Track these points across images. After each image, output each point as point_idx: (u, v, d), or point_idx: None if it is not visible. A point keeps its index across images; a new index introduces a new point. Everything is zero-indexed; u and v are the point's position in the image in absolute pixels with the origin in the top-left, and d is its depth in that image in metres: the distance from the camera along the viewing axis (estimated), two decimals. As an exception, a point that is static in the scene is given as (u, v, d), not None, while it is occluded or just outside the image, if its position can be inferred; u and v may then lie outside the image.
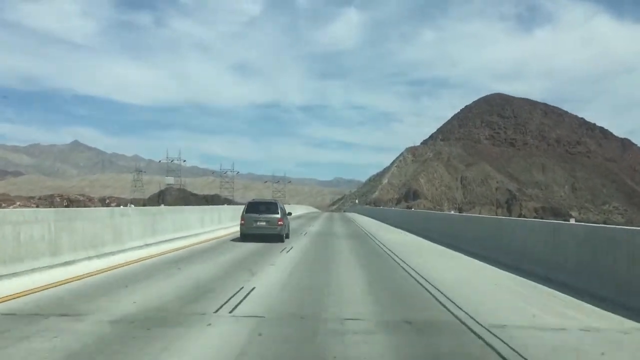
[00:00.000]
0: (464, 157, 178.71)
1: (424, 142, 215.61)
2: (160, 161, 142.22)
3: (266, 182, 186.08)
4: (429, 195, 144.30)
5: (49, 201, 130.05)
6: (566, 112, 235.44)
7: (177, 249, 14.39)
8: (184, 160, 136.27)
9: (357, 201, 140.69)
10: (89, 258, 11.01)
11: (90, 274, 9.63)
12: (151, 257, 12.56)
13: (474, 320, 6.74)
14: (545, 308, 7.81)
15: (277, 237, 17.59)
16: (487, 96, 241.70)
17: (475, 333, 6.13)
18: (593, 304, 7.93)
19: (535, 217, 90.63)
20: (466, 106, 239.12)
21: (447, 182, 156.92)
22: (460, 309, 7.45)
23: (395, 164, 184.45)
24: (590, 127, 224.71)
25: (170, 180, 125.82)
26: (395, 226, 31.08)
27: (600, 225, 13.25)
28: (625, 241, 8.14)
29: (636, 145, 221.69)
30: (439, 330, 6.44)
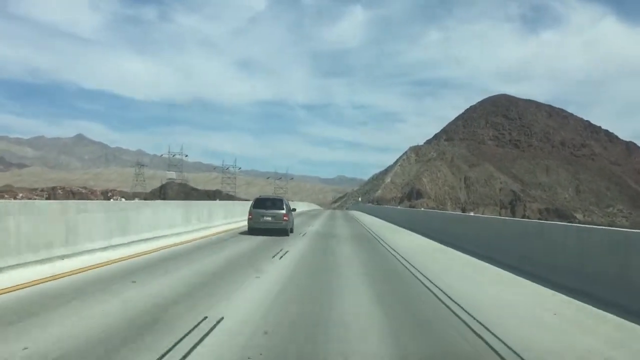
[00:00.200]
0: (467, 158, 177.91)
1: (428, 142, 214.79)
2: (162, 155, 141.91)
3: (268, 178, 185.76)
4: (432, 195, 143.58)
5: (51, 193, 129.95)
6: (571, 115, 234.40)
7: (148, 252, 12.15)
8: (186, 155, 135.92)
9: (360, 199, 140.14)
10: (22, 265, 8.75)
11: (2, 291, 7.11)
12: (111, 262, 10.23)
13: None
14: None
15: (282, 231, 18.75)
16: (492, 97, 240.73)
17: None
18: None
19: (539, 219, 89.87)
20: (471, 107, 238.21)
21: (451, 182, 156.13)
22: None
23: (399, 163, 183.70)
24: (595, 130, 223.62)
25: (172, 174, 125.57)
26: (403, 227, 28.40)
27: None
28: None
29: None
30: None
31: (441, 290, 8.60)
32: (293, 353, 5.02)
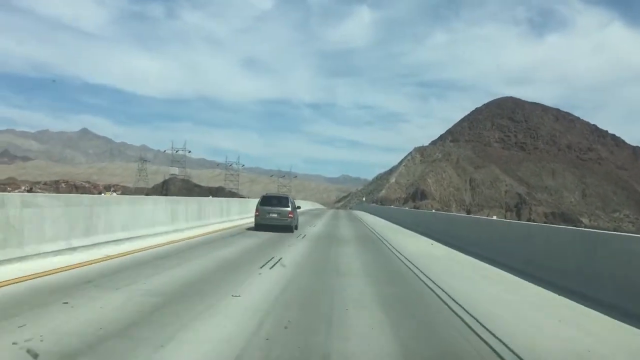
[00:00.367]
0: (473, 159, 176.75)
1: (433, 143, 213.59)
2: (165, 151, 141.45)
3: (272, 176, 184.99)
4: (437, 196, 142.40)
5: (54, 187, 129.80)
6: (578, 118, 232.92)
7: (112, 257, 10.08)
8: (189, 151, 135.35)
9: (364, 199, 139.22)
10: None
11: None
12: (58, 270, 8.19)
13: None
14: None
15: (287, 227, 19.34)
16: (498, 99, 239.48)
17: None
18: None
19: (545, 222, 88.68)
20: (477, 108, 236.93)
21: (456, 184, 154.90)
22: None
23: (404, 163, 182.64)
24: (602, 134, 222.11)
25: (174, 170, 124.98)
26: (412, 230, 25.68)
27: None
28: None
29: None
30: None
31: (477, 319, 6.55)
32: None
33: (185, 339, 5.02)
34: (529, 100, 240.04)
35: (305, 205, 53.49)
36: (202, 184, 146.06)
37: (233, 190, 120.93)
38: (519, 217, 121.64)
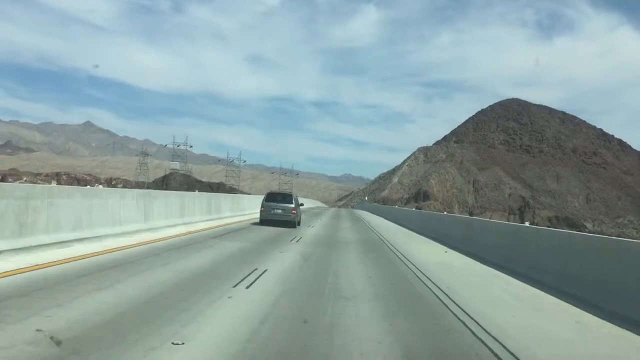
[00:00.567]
0: (477, 161, 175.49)
1: (437, 143, 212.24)
2: (166, 145, 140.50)
3: (274, 173, 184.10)
4: (440, 197, 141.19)
5: (55, 179, 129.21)
6: (584, 122, 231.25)
7: (40, 266, 7.78)
8: (191, 146, 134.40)
9: (366, 198, 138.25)
10: None
11: None
12: None
13: None
14: None
15: (290, 223, 20.32)
16: (503, 101, 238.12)
17: None
18: None
19: (549, 227, 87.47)
20: (482, 110, 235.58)
21: (459, 185, 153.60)
22: None
23: (407, 163, 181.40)
24: (608, 139, 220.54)
25: (175, 165, 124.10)
26: (421, 233, 23.56)
27: None
28: None
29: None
30: None
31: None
32: None
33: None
34: (535, 102, 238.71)
35: (306, 204, 52.41)
36: (204, 179, 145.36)
37: (234, 186, 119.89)
38: (522, 221, 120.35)
